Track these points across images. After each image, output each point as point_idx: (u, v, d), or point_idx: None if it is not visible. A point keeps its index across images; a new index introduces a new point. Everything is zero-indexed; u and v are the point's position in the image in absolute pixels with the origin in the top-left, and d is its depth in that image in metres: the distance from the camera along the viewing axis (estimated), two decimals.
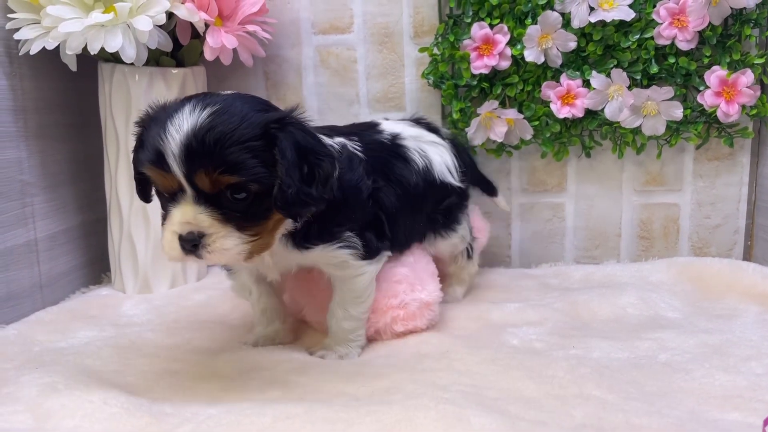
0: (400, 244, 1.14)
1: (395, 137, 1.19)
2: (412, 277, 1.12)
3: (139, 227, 1.38)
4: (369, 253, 1.03)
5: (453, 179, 1.24)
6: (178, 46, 1.35)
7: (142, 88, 1.32)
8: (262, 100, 0.92)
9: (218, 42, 1.29)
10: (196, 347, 1.08)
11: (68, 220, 1.43)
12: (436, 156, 1.23)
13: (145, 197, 0.96)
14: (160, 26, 1.25)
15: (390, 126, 1.23)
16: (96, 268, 1.52)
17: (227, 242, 0.83)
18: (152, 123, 0.85)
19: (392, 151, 1.16)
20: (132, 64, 1.26)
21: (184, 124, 0.81)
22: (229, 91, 0.92)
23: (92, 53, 1.20)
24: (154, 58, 1.33)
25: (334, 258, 1.00)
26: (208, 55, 1.30)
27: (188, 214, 0.83)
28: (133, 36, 1.21)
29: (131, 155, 0.91)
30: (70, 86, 1.40)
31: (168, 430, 0.76)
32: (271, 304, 1.12)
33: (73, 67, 1.27)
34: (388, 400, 0.84)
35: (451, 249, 1.29)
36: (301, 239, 0.96)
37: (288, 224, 0.94)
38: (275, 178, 0.84)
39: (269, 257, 0.98)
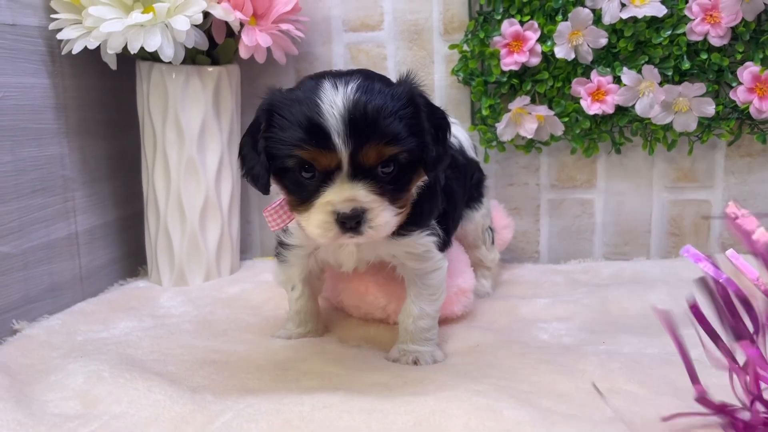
0: (453, 230, 1.15)
1: None
2: (449, 264, 1.14)
3: (175, 221, 1.42)
4: (444, 245, 1.03)
5: (474, 154, 1.31)
6: (214, 45, 1.38)
7: (178, 86, 1.36)
8: (378, 73, 0.92)
9: (253, 40, 1.31)
10: (232, 338, 1.11)
11: (107, 215, 1.47)
12: (460, 133, 1.27)
13: (267, 187, 0.90)
14: (196, 26, 1.29)
15: None
16: (133, 261, 1.56)
17: (386, 216, 0.84)
18: (289, 105, 0.83)
19: None
20: (169, 62, 1.29)
21: (337, 100, 0.80)
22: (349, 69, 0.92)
23: (132, 52, 1.24)
24: (191, 57, 1.36)
25: (421, 246, 0.98)
26: (243, 54, 1.33)
27: (350, 191, 0.82)
28: (171, 35, 1.25)
29: (260, 141, 0.86)
30: (109, 84, 1.44)
31: (210, 418, 0.79)
32: (307, 307, 1.12)
33: (113, 65, 1.30)
34: (421, 391, 0.85)
35: (480, 223, 1.29)
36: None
37: None
38: (421, 145, 0.85)
39: (353, 246, 0.97)
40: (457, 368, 0.95)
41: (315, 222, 0.84)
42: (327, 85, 0.82)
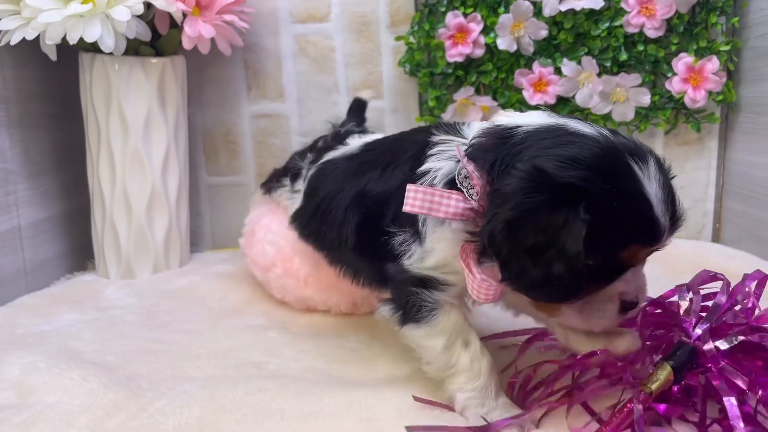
0: None
1: None
2: None
3: (121, 214, 1.41)
4: None
5: None
6: (158, 36, 1.37)
7: (121, 78, 1.35)
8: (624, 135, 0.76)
9: (196, 31, 1.31)
10: (174, 328, 1.11)
11: (52, 208, 1.46)
12: None
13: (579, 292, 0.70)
14: (138, 16, 1.28)
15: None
16: (80, 255, 1.55)
17: None
18: (612, 200, 0.66)
19: None
20: (111, 53, 1.28)
21: (659, 191, 0.68)
22: (591, 129, 0.73)
23: (71, 43, 1.23)
24: (134, 48, 1.35)
25: None
26: (186, 45, 1.33)
27: (641, 279, 0.74)
28: (112, 26, 1.24)
29: (575, 243, 0.64)
30: (52, 76, 1.43)
31: (144, 404, 0.80)
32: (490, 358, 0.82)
33: (53, 56, 1.29)
34: (357, 376, 0.88)
35: None
36: None
37: None
38: None
39: None
40: (396, 355, 0.96)
41: (600, 312, 0.72)
42: (637, 169, 0.67)
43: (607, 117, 1.47)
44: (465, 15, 1.44)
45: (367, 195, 0.90)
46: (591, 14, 1.41)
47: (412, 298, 0.79)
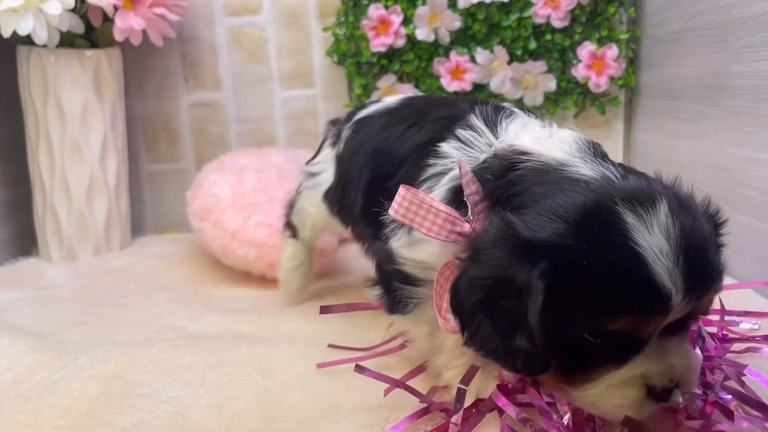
0: None
1: None
2: None
3: (62, 200, 1.48)
4: None
5: None
6: (93, 29, 1.44)
7: (58, 69, 1.42)
8: (641, 173, 0.64)
9: (126, 24, 1.39)
10: (107, 303, 1.19)
11: None
12: None
13: (543, 369, 0.60)
14: (72, 10, 1.35)
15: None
16: (26, 241, 1.61)
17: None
18: (588, 257, 0.54)
19: None
20: (47, 46, 1.35)
21: (662, 242, 0.54)
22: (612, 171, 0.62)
23: (5, 36, 1.29)
24: (69, 41, 1.42)
25: None
26: (118, 36, 1.40)
27: (670, 358, 0.58)
28: (45, 20, 1.31)
29: (531, 314, 0.55)
30: None
31: (67, 362, 0.88)
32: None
33: None
34: (263, 335, 0.97)
35: None
36: None
37: None
38: None
39: None
40: (303, 319, 1.05)
41: (617, 400, 0.58)
42: (630, 218, 0.54)
43: (519, 102, 1.58)
44: (386, 7, 1.53)
45: (382, 152, 0.82)
46: (502, 6, 1.52)
47: (398, 293, 0.75)
